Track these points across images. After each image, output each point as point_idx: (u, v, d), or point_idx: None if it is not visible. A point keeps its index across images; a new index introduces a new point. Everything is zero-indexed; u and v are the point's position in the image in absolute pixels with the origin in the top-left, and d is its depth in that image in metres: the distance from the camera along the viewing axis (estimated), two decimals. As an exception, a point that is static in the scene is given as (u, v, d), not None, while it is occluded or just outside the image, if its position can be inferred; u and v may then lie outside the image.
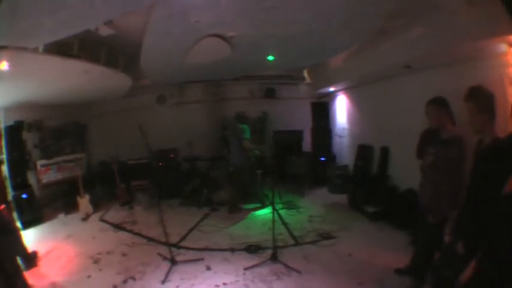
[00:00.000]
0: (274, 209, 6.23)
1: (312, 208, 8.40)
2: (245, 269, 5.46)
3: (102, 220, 8.64)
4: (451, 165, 3.83)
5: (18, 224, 7.36)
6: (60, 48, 6.52)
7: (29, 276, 5.35)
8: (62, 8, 4.29)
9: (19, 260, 5.56)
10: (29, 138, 9.62)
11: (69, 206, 9.25)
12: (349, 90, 10.00)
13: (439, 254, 3.84)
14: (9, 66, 5.67)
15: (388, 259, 5.23)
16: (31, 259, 5.92)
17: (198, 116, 12.25)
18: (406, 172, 5.71)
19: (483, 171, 3.01)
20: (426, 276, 4.24)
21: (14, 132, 8.71)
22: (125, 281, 5.34)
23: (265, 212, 8.36)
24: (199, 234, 7.28)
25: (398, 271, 4.75)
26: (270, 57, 8.20)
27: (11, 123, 8.72)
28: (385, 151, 7.82)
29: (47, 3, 4.15)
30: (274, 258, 5.64)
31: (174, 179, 10.37)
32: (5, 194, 5.88)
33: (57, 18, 4.51)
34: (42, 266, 6.00)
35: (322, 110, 11.30)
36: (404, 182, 6.66)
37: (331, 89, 10.55)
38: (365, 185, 8.01)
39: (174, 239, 6.81)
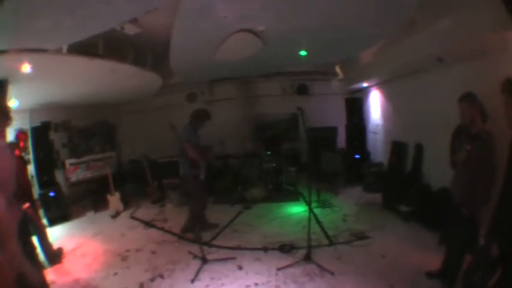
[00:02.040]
0: (310, 208, 6.10)
1: (346, 207, 8.26)
2: (278, 269, 5.38)
3: (132, 217, 8.73)
4: (482, 161, 3.76)
5: (45, 221, 7.47)
6: (85, 49, 6.54)
7: (52, 272, 5.41)
8: (82, 7, 4.26)
9: (42, 257, 5.63)
10: (57, 138, 9.89)
11: (99, 204, 9.39)
12: (382, 86, 9.79)
13: (472, 258, 3.70)
14: (31, 68, 5.71)
15: (421, 261, 5.10)
16: (55, 256, 5.97)
17: (230, 114, 12.26)
18: (440, 170, 5.50)
19: None
20: (456, 280, 4.13)
21: (41, 132, 8.93)
22: (152, 279, 5.35)
23: (299, 210, 8.24)
24: (232, 232, 7.24)
25: (430, 274, 4.62)
26: (303, 52, 8.06)
27: (37, 124, 8.92)
28: (419, 148, 7.61)
29: (67, 3, 4.12)
30: (308, 258, 5.54)
31: (207, 177, 10.28)
32: (30, 192, 5.94)
33: (78, 18, 4.48)
34: (67, 262, 6.08)
35: (356, 106, 11.10)
36: (438, 180, 6.46)
37: (364, 84, 10.35)
38: (398, 184, 7.80)
39: (206, 237, 6.80)
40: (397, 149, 8.53)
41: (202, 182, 6.93)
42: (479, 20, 4.37)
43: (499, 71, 3.71)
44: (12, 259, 1.17)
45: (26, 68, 5.63)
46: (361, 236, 6.37)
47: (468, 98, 4.01)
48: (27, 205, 5.10)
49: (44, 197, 8.24)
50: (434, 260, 4.62)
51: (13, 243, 1.20)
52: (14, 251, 1.20)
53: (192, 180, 6.80)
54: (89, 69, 7.05)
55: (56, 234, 7.54)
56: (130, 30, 6.57)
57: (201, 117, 6.95)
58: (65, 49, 6.02)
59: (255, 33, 6.46)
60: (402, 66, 7.23)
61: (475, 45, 4.96)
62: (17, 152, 5.79)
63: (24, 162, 5.94)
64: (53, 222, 8.19)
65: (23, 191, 5.09)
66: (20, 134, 5.99)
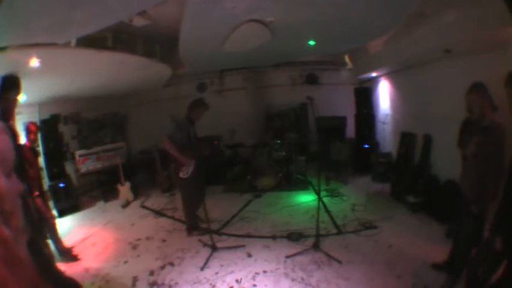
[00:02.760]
0: (319, 197, 6.16)
1: (354, 196, 8.27)
2: (286, 257, 5.45)
3: (142, 207, 8.84)
4: (492, 154, 3.69)
5: (54, 212, 7.58)
6: (94, 42, 6.58)
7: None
8: (91, 1, 4.29)
9: (52, 247, 5.69)
10: (66, 130, 10.01)
11: (109, 194, 9.51)
12: (391, 76, 9.76)
13: (476, 250, 3.75)
14: (39, 62, 5.76)
15: (427, 252, 5.11)
16: (66, 252, 5.98)
17: (240, 104, 12.32)
18: (449, 161, 5.50)
19: None
20: (462, 273, 4.13)
21: (50, 125, 9.10)
22: (162, 267, 5.45)
23: (308, 199, 8.28)
24: (241, 220, 7.31)
25: (436, 266, 4.64)
26: (312, 42, 8.04)
27: (47, 116, 9.05)
28: (427, 139, 7.60)
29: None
30: (316, 246, 5.60)
31: (217, 166, 10.43)
32: (40, 184, 6.03)
33: (86, 11, 4.51)
34: (77, 252, 6.13)
35: (365, 96, 11.04)
36: (446, 172, 6.45)
37: (373, 74, 10.31)
38: (407, 174, 7.81)
39: (215, 226, 6.88)
40: (405, 139, 8.53)
41: (189, 179, 6.49)
42: (488, 12, 4.34)
43: (508, 64, 3.67)
44: (17, 233, 1.21)
45: (34, 62, 5.66)
46: (369, 226, 6.41)
47: (477, 89, 3.92)
48: (36, 193, 5.17)
49: (53, 188, 8.37)
50: (441, 252, 4.65)
51: (17, 218, 1.23)
52: (18, 225, 1.24)
53: (176, 178, 6.58)
54: (98, 61, 7.08)
55: (67, 224, 7.69)
56: (139, 22, 6.59)
57: (196, 108, 6.61)
58: (73, 43, 6.07)
59: (264, 24, 6.47)
60: (411, 57, 7.18)
61: (484, 38, 4.94)
62: (27, 144, 5.87)
63: (35, 154, 6.02)
64: (62, 213, 8.33)
65: (33, 183, 5.16)
66: (32, 125, 6.06)
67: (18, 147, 3.26)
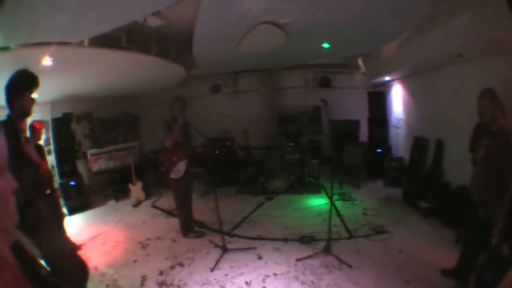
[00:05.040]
0: (331, 200, 6.14)
1: (366, 200, 8.23)
2: (297, 260, 5.44)
3: (153, 206, 8.86)
4: (501, 158, 3.71)
5: (65, 210, 7.68)
6: (108, 42, 6.62)
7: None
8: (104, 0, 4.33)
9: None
10: (79, 129, 10.07)
11: (120, 193, 9.53)
12: (405, 80, 9.69)
13: (484, 256, 3.74)
14: (52, 61, 5.78)
15: (437, 258, 5.08)
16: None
17: (253, 105, 12.33)
18: (460, 167, 5.45)
19: None
20: (470, 278, 4.12)
21: (62, 124, 9.15)
22: (172, 267, 5.46)
23: (321, 203, 8.26)
24: (253, 222, 7.31)
25: (445, 272, 4.61)
26: (325, 45, 8.04)
27: (59, 115, 9.12)
28: (440, 144, 7.53)
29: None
30: (327, 250, 5.58)
31: (230, 167, 10.45)
32: (51, 182, 6.05)
33: (101, 10, 4.54)
34: (87, 250, 6.17)
35: (379, 100, 11.02)
36: (458, 178, 6.39)
37: (387, 78, 10.26)
38: (419, 180, 7.73)
39: (227, 227, 6.88)
40: (418, 144, 8.46)
41: (181, 180, 6.41)
42: (499, 15, 4.31)
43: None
44: (4, 234, 1.19)
45: (46, 60, 5.69)
46: (380, 231, 6.39)
47: (489, 94, 3.96)
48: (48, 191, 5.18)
49: (64, 186, 8.41)
50: (451, 258, 4.61)
51: (5, 218, 1.22)
52: (5, 226, 1.22)
53: (168, 178, 6.44)
54: (111, 61, 7.13)
55: (77, 222, 7.75)
56: (153, 22, 6.59)
57: (172, 105, 6.41)
58: (86, 42, 6.10)
59: (279, 26, 6.47)
60: (423, 61, 7.15)
61: (495, 42, 4.90)
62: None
63: (42, 152, 6.03)
64: (73, 211, 8.37)
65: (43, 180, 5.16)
66: (36, 123, 6.11)
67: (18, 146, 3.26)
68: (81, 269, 4.05)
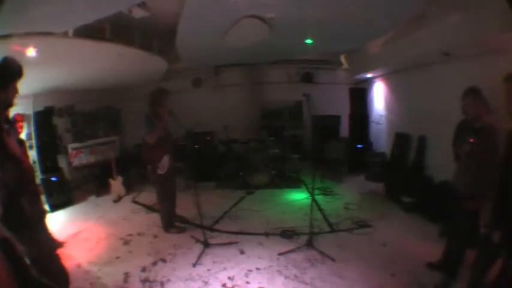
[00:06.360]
0: (312, 195, 6.16)
1: (347, 195, 8.31)
2: (279, 254, 5.44)
3: (134, 202, 8.76)
4: (486, 154, 3.79)
5: (46, 207, 7.54)
6: (92, 33, 6.51)
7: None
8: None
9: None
10: (60, 123, 9.85)
11: (101, 188, 9.41)
12: (387, 77, 9.80)
13: (476, 248, 3.77)
14: (36, 52, 5.66)
15: (421, 251, 5.15)
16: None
17: (235, 100, 12.32)
18: (443, 163, 5.53)
19: None
20: (458, 273, 4.19)
21: (44, 117, 8.95)
22: (154, 263, 5.39)
23: (301, 197, 8.31)
24: (234, 217, 7.30)
25: (431, 265, 4.67)
26: (309, 41, 8.05)
27: (40, 108, 8.91)
28: (422, 140, 7.64)
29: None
30: (309, 244, 5.60)
31: (210, 162, 10.42)
32: (33, 178, 5.93)
33: (87, 0, 4.47)
34: (69, 247, 6.07)
35: (360, 96, 11.14)
36: (440, 173, 6.47)
37: (369, 75, 10.37)
38: (401, 175, 7.84)
39: (208, 222, 6.85)
40: (400, 140, 8.58)
41: (165, 175, 6.33)
42: (490, 17, 4.36)
43: (506, 70, 3.70)
44: None
45: (31, 51, 5.59)
46: (362, 224, 6.43)
47: (473, 92, 4.04)
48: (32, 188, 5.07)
49: (46, 182, 8.22)
50: (435, 251, 4.67)
51: None
52: None
53: (154, 174, 6.35)
54: (95, 52, 7.02)
55: (59, 219, 7.61)
56: (138, 13, 6.51)
57: (157, 98, 6.29)
58: (71, 33, 6.00)
59: (264, 20, 6.44)
60: (409, 59, 7.23)
61: (483, 43, 4.97)
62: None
63: (24, 146, 5.89)
64: (55, 207, 8.18)
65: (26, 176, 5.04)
66: (16, 116, 6.00)
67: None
68: (62, 275, 4.00)
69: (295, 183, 9.47)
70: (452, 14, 5.18)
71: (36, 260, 3.24)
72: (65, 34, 5.86)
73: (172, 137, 6.70)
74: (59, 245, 5.82)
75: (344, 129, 11.18)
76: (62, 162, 9.29)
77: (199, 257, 5.42)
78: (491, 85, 3.74)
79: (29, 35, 5.23)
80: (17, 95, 3.38)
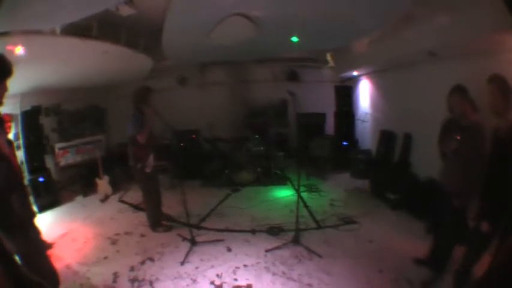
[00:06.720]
0: (298, 192, 6.19)
1: (333, 192, 8.35)
2: (266, 251, 5.48)
3: (121, 201, 8.71)
4: (473, 151, 3.82)
5: (34, 208, 7.42)
6: (79, 30, 6.46)
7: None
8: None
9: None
10: (47, 122, 9.70)
11: (88, 188, 9.31)
12: (373, 75, 9.86)
13: (465, 243, 3.86)
14: (24, 50, 5.59)
15: (408, 248, 5.20)
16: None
17: (220, 98, 12.25)
18: (428, 160, 5.60)
19: (502, 156, 3.17)
20: (445, 269, 4.25)
21: (31, 117, 8.83)
22: (142, 262, 5.40)
23: (287, 194, 8.36)
24: (220, 215, 7.32)
25: (417, 261, 4.71)
26: (294, 39, 8.07)
27: (27, 108, 8.79)
28: (407, 138, 7.70)
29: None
30: (296, 241, 5.64)
31: (195, 160, 10.41)
32: (21, 178, 5.88)
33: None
34: (58, 248, 6.02)
35: (346, 94, 11.20)
36: (426, 170, 6.56)
37: (355, 73, 10.41)
38: (386, 172, 7.91)
39: (194, 220, 6.83)
40: (385, 137, 8.64)
41: (151, 173, 6.44)
42: (477, 19, 4.41)
43: (492, 70, 3.76)
44: None
45: (19, 50, 5.52)
46: (348, 221, 6.49)
47: (458, 90, 4.06)
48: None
49: (33, 182, 8.09)
50: (421, 248, 4.72)
51: None
52: None
53: (137, 173, 6.39)
54: (82, 50, 6.94)
55: (46, 219, 7.52)
56: (125, 11, 6.49)
57: (141, 96, 6.35)
58: (58, 30, 5.96)
59: (250, 18, 6.46)
60: (396, 58, 7.30)
61: (472, 44, 5.05)
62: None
63: (12, 147, 5.82)
64: (43, 208, 8.05)
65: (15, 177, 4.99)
66: (6, 117, 5.92)
67: None
68: (52, 276, 3.98)
69: (280, 180, 9.49)
70: (439, 14, 5.23)
71: (27, 260, 3.24)
72: (52, 32, 5.81)
73: (155, 136, 6.70)
74: (48, 246, 5.76)
75: (329, 127, 11.22)
76: (49, 162, 9.20)
77: (186, 255, 5.43)
78: (477, 85, 3.79)
79: (17, 34, 5.19)
80: (6, 93, 3.34)
